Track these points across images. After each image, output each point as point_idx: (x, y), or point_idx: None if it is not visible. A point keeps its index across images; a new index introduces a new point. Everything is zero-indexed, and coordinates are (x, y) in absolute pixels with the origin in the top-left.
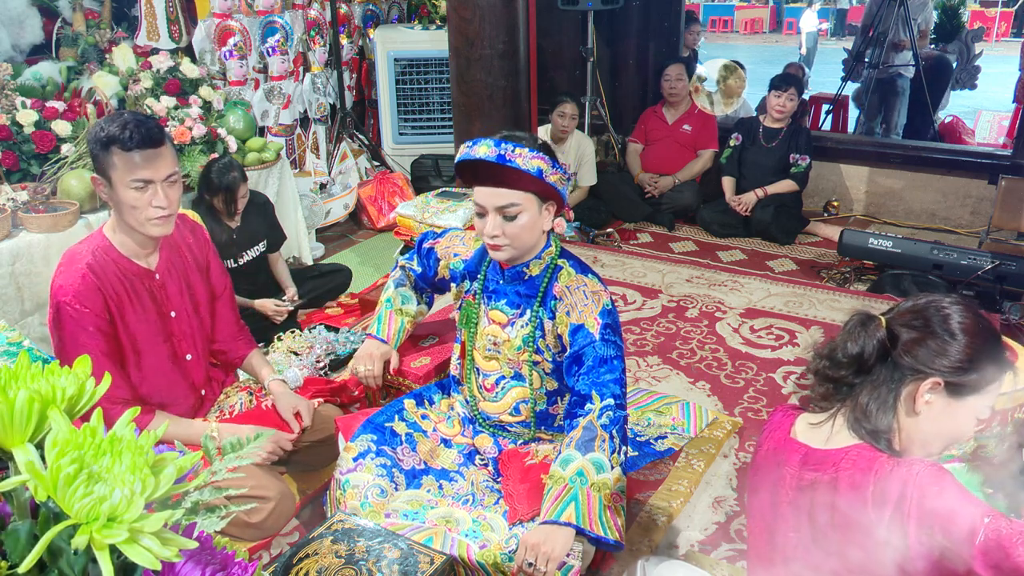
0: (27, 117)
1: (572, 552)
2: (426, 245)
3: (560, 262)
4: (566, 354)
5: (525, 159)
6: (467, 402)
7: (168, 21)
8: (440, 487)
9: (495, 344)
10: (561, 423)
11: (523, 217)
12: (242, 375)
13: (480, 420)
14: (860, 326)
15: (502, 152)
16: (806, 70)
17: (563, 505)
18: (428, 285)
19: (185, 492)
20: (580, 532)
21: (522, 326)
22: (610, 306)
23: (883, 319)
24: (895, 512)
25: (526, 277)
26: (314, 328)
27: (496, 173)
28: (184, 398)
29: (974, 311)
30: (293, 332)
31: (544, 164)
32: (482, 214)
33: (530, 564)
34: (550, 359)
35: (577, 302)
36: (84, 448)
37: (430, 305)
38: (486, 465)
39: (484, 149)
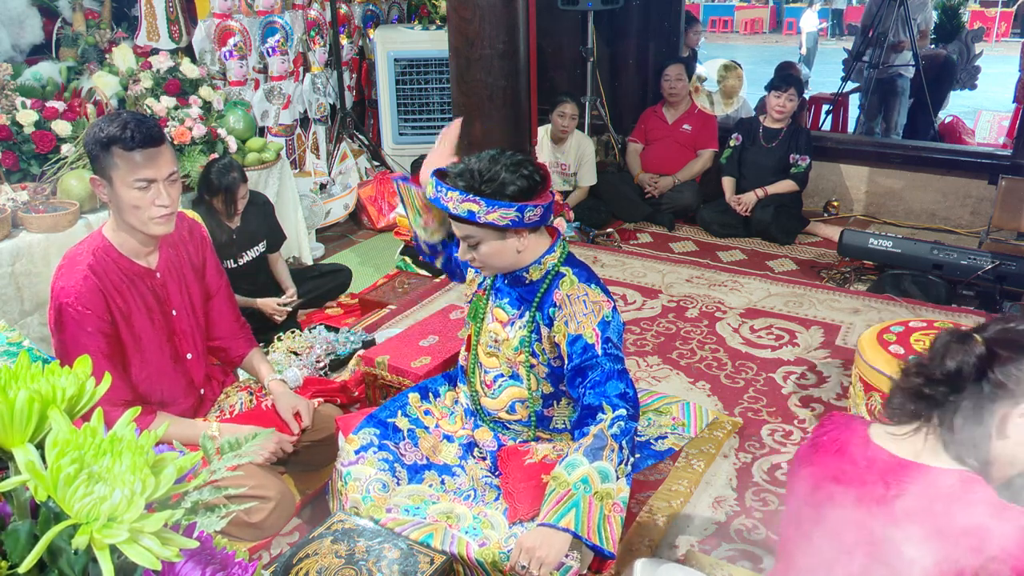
0: (27, 117)
1: (571, 554)
2: None
3: (564, 269)
4: (566, 364)
5: (455, 203)
6: (470, 395)
7: (168, 21)
8: (442, 482)
9: (496, 341)
10: (557, 426)
11: (483, 247)
12: (242, 375)
13: (482, 414)
14: (958, 343)
15: (436, 194)
16: (806, 70)
17: (564, 510)
18: (449, 257)
19: (185, 492)
20: (577, 539)
21: (520, 327)
22: (611, 317)
23: (980, 337)
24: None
25: (526, 282)
26: (314, 328)
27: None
28: (184, 397)
29: None
30: (293, 332)
31: (475, 206)
32: (459, 239)
33: (523, 567)
34: (545, 363)
35: (576, 312)
36: (84, 448)
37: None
38: (484, 458)
39: (429, 188)
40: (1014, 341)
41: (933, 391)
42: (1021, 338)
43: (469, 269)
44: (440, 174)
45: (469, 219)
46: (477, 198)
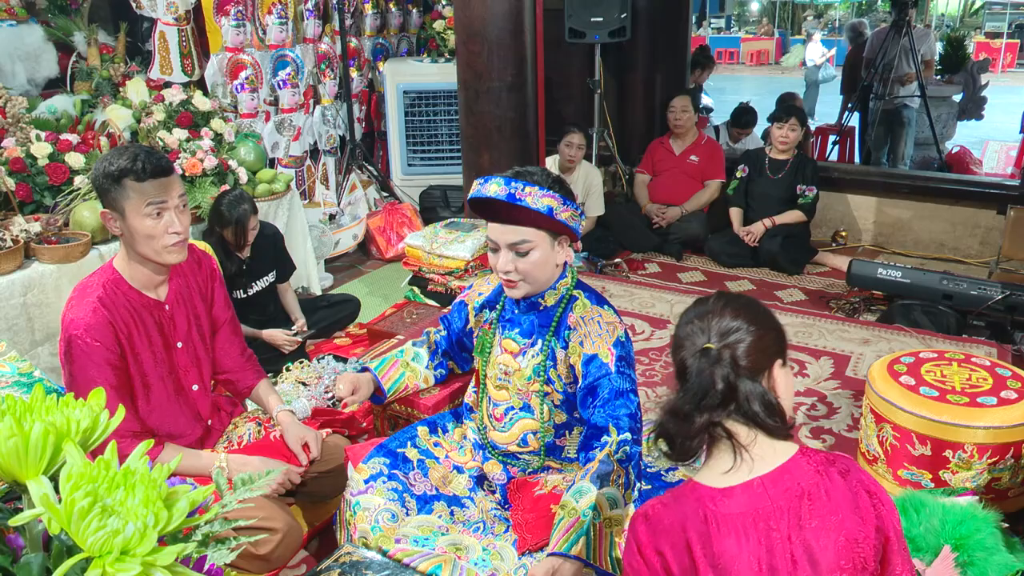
0: (41, 150)
1: None
2: (457, 299)
3: (576, 293)
4: (579, 385)
5: (535, 198)
6: (478, 429)
7: (181, 55)
8: (451, 513)
9: (506, 373)
10: (569, 455)
11: (535, 254)
12: (251, 405)
13: (490, 448)
14: (707, 361)
15: (512, 191)
16: (812, 100)
17: (574, 538)
18: (454, 345)
19: (196, 526)
20: (589, 567)
21: (533, 355)
22: (624, 338)
23: (713, 344)
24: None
25: (541, 307)
26: (323, 358)
27: (507, 210)
28: (190, 429)
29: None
30: (302, 362)
31: (555, 202)
32: (495, 249)
33: None
34: (560, 390)
35: (591, 332)
36: (98, 481)
37: (439, 380)
38: (493, 491)
39: (495, 187)
40: (735, 329)
41: (707, 414)
42: (737, 322)
43: (471, 311)
44: (516, 173)
45: (547, 214)
46: (556, 194)
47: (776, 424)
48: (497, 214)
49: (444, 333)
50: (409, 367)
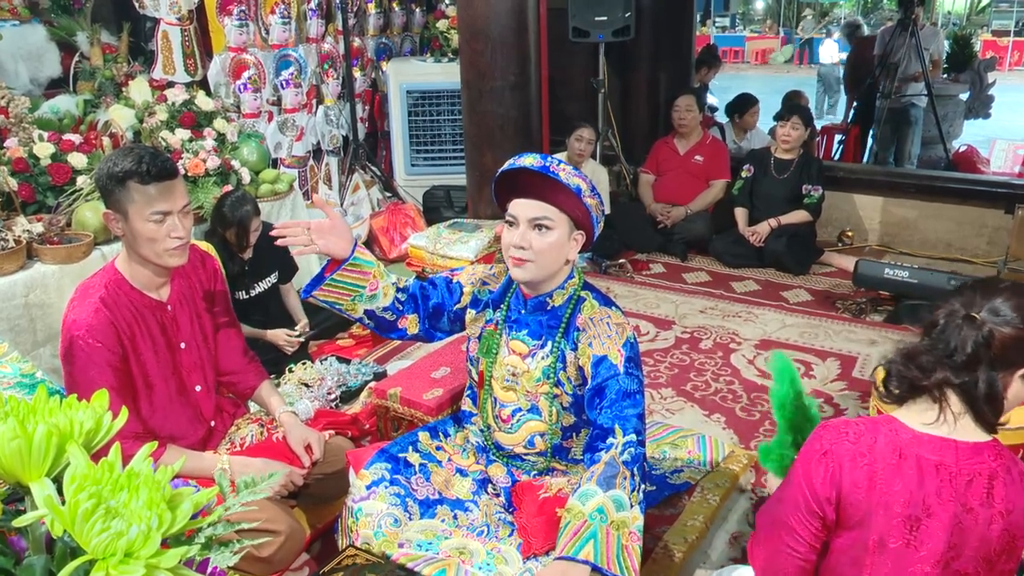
0: (44, 150)
1: None
2: (442, 275)
3: (583, 293)
4: (587, 387)
5: (568, 174)
6: (481, 431)
7: (184, 55)
8: (455, 517)
9: (514, 375)
10: (576, 456)
11: (552, 234)
12: (253, 407)
13: (494, 450)
14: (965, 323)
15: (547, 164)
16: (823, 99)
17: (582, 542)
18: (428, 306)
19: (199, 528)
20: (596, 570)
21: (543, 357)
22: (633, 339)
23: (979, 316)
24: None
25: (549, 307)
26: (325, 359)
27: (536, 186)
28: (193, 430)
29: None
30: (304, 363)
31: (584, 184)
32: (512, 223)
33: None
34: (570, 392)
35: (600, 333)
36: (102, 483)
37: (394, 312)
38: (497, 495)
39: (530, 159)
40: (1006, 316)
41: (946, 373)
42: (1013, 312)
43: (469, 311)
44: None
45: (576, 193)
46: (586, 179)
47: (988, 417)
48: (524, 191)
49: (437, 291)
50: (380, 269)
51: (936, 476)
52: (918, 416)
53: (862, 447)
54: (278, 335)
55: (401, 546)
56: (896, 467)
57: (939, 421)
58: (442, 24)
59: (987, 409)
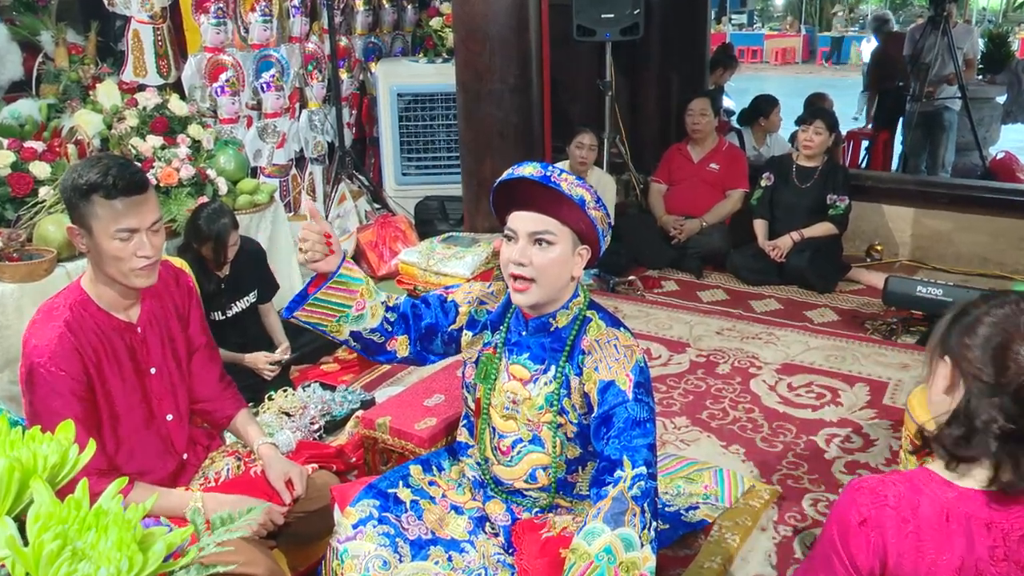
0: (4, 158)
1: None
2: (435, 293)
3: (589, 313)
4: (593, 415)
5: (570, 184)
6: (478, 464)
7: (156, 56)
8: (449, 559)
9: (514, 402)
10: (581, 491)
11: (554, 250)
12: (229, 438)
13: (492, 485)
14: None
15: (548, 173)
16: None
17: None
18: (421, 327)
19: (171, 571)
20: None
21: (546, 383)
22: (643, 363)
23: None
24: None
25: (552, 328)
26: (308, 386)
27: (537, 198)
28: (163, 464)
29: None
30: (285, 391)
31: (588, 195)
32: (511, 238)
33: None
34: (575, 421)
35: (607, 356)
36: (68, 522)
37: (383, 334)
38: (496, 534)
39: (530, 169)
40: None
41: (1001, 419)
42: None
43: (465, 333)
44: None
45: (579, 204)
46: (590, 189)
47: None
48: (524, 203)
49: (430, 311)
50: (369, 287)
51: (988, 536)
52: (958, 467)
53: (905, 512)
54: (257, 359)
55: None
56: (944, 531)
57: (981, 471)
58: (436, 22)
59: None
